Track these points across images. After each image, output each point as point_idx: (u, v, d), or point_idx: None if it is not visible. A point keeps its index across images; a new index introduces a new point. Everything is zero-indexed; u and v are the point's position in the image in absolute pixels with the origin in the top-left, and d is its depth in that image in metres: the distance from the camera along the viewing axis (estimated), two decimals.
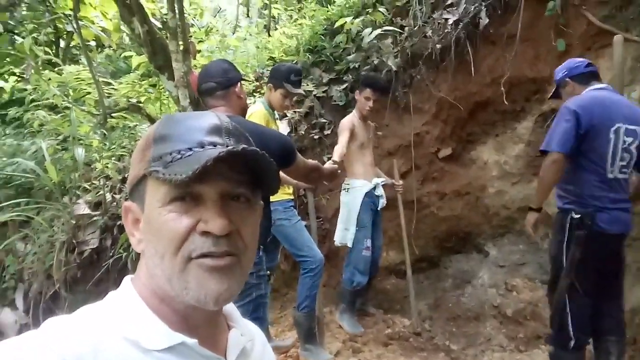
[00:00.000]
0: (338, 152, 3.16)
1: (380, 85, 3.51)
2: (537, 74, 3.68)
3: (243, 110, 2.21)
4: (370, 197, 3.42)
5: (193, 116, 0.70)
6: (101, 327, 0.61)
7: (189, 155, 0.63)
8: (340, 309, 3.50)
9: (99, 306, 0.66)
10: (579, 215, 2.41)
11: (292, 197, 3.05)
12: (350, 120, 3.44)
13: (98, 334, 0.60)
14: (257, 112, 2.77)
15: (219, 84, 2.07)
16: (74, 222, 3.85)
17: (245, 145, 0.64)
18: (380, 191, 3.49)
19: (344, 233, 3.42)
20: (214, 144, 0.65)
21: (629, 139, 2.44)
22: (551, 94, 2.86)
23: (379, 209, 3.51)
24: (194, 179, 0.59)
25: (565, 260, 2.47)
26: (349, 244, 3.39)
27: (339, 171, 2.60)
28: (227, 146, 0.65)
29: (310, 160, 2.22)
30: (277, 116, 3.03)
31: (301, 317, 2.94)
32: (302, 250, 2.91)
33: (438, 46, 3.84)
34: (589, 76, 2.58)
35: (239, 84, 2.13)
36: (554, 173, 2.42)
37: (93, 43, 5.89)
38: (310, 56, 4.34)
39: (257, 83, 4.43)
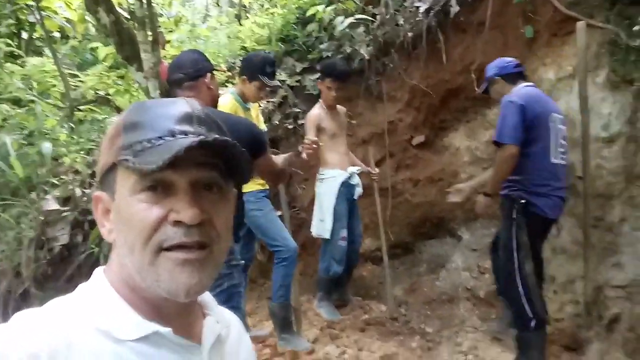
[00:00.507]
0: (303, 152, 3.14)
1: (338, 72, 3.39)
2: None
3: (214, 102, 2.18)
4: (345, 186, 3.42)
5: (164, 103, 0.69)
6: (72, 319, 0.60)
7: (160, 144, 0.62)
8: (317, 297, 3.52)
9: (70, 298, 0.65)
10: (524, 201, 2.59)
11: (264, 187, 3.04)
12: (315, 113, 3.41)
13: (70, 327, 0.59)
14: (227, 104, 2.73)
15: (187, 75, 2.05)
16: (43, 218, 3.75)
17: (217, 135, 0.64)
18: (356, 180, 3.49)
19: (320, 224, 3.42)
20: (186, 133, 0.64)
21: (562, 127, 2.72)
22: (482, 89, 3.07)
23: (355, 198, 3.51)
24: (165, 168, 0.58)
25: (515, 244, 2.62)
26: (326, 236, 3.38)
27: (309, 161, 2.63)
28: (199, 135, 0.64)
29: (279, 160, 2.20)
30: (249, 106, 2.99)
31: (276, 307, 2.95)
32: (275, 240, 2.90)
33: (410, 34, 3.86)
34: (517, 75, 2.83)
35: (208, 74, 2.10)
36: (511, 165, 2.60)
37: (57, 34, 5.70)
38: (282, 45, 4.31)
39: (229, 73, 4.38)
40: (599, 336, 2.85)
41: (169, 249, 0.62)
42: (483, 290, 3.59)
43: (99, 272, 0.69)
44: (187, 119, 0.66)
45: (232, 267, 1.94)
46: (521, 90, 2.74)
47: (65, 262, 3.76)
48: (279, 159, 2.38)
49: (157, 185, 0.62)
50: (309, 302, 3.62)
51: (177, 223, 0.62)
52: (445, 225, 4.22)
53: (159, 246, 0.62)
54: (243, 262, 2.10)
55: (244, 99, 2.88)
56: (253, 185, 2.92)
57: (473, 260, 3.95)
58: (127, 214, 0.63)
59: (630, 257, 3.07)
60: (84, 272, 3.64)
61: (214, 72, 2.21)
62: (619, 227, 3.15)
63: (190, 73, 2.06)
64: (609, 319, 2.84)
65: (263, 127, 3.21)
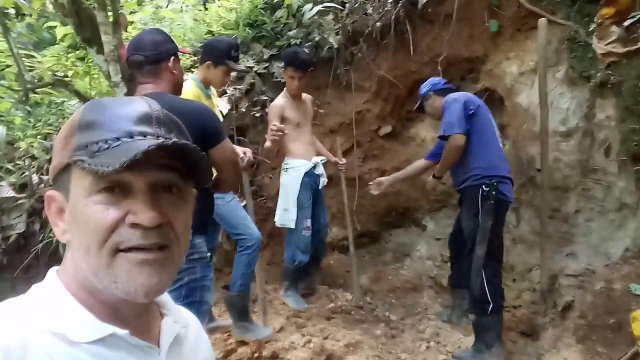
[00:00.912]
0: (268, 140, 3.13)
1: (300, 62, 3.32)
2: (471, 54, 3.82)
3: (177, 87, 2.05)
4: (310, 176, 3.41)
5: (121, 102, 0.67)
6: (26, 321, 0.59)
7: (117, 146, 0.61)
8: (284, 286, 3.53)
9: (23, 299, 0.63)
10: (488, 188, 2.79)
11: None
12: (278, 104, 3.37)
13: (24, 327, 0.58)
14: (188, 91, 2.63)
15: (147, 58, 1.91)
16: None
17: (175, 139, 0.63)
18: (320, 170, 3.48)
19: (284, 214, 3.40)
20: (144, 134, 0.63)
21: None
22: (416, 107, 3.44)
23: (320, 187, 3.52)
24: (121, 171, 0.56)
25: (480, 231, 2.77)
26: (290, 225, 3.37)
27: (253, 166, 2.66)
28: (158, 136, 0.63)
29: (235, 151, 2.04)
30: (211, 92, 2.93)
31: (235, 297, 2.89)
32: (238, 228, 2.87)
33: (378, 24, 3.87)
34: (447, 90, 3.21)
35: (172, 58, 1.96)
36: (459, 151, 2.90)
37: (12, 11, 5.40)
38: (250, 31, 4.23)
39: (195, 58, 4.27)
40: (553, 323, 2.98)
41: (126, 250, 0.61)
42: (446, 278, 3.69)
43: (52, 273, 0.67)
44: (146, 119, 0.64)
45: (194, 261, 1.89)
46: (455, 93, 3.10)
47: (22, 251, 3.63)
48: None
49: (114, 186, 0.61)
50: (275, 291, 3.62)
51: (134, 225, 0.61)
52: (410, 215, 4.29)
53: (116, 248, 0.61)
54: (208, 254, 2.04)
55: (205, 85, 2.81)
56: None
57: (437, 249, 4.05)
58: (83, 215, 0.61)
59: (583, 247, 3.22)
60: (42, 262, 3.52)
61: (178, 55, 2.06)
62: (574, 218, 3.29)
63: (151, 56, 1.91)
64: (563, 306, 2.97)
65: (218, 113, 3.12)
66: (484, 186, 2.81)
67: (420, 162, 3.47)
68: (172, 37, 2.09)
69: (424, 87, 3.30)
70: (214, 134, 1.82)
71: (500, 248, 2.91)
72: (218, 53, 2.73)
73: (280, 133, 2.96)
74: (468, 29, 3.76)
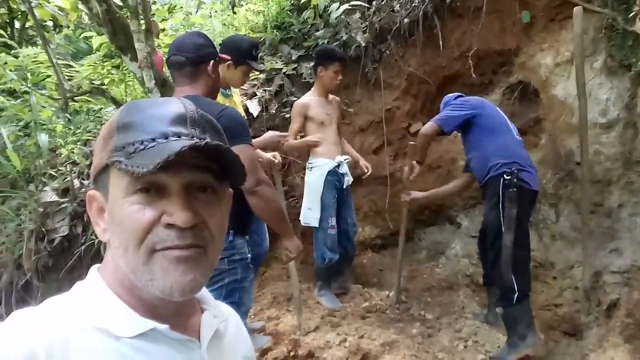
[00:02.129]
0: (289, 142, 3.17)
1: (342, 55, 3.43)
2: (503, 47, 3.73)
3: (213, 91, 2.04)
4: (333, 175, 3.38)
5: (157, 104, 0.68)
6: (69, 318, 0.60)
7: (152, 147, 0.62)
8: (317, 286, 3.54)
9: (66, 297, 0.65)
10: (509, 177, 2.76)
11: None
12: (302, 102, 3.38)
13: (66, 325, 0.59)
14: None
15: (188, 60, 1.90)
16: (42, 209, 3.74)
17: (208, 140, 0.63)
18: (344, 169, 3.43)
19: (308, 213, 3.40)
20: (179, 135, 0.64)
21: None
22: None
23: (345, 187, 3.47)
24: (157, 171, 0.58)
25: (503, 220, 2.73)
26: (314, 224, 3.37)
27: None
28: (192, 137, 0.64)
29: (253, 159, 1.92)
30: (230, 92, 2.94)
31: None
32: None
33: (406, 20, 3.83)
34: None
35: (211, 62, 1.95)
36: (426, 139, 3.16)
37: (50, 23, 5.64)
38: (277, 33, 4.27)
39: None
40: (597, 322, 2.87)
41: (162, 249, 0.62)
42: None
43: (94, 270, 0.69)
44: (181, 120, 0.65)
45: (236, 262, 1.87)
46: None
47: (65, 253, 3.76)
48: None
49: (150, 187, 0.62)
50: (309, 290, 3.63)
51: (169, 226, 0.62)
52: (444, 213, 4.22)
53: (152, 248, 0.62)
54: (249, 256, 2.01)
55: (223, 86, 2.80)
56: None
57: (472, 247, 3.96)
58: (120, 216, 0.63)
59: (628, 243, 3.09)
60: (85, 263, 3.65)
61: (218, 60, 2.03)
62: (618, 212, 3.16)
63: (192, 58, 1.90)
64: (608, 304, 2.86)
65: (241, 111, 3.11)
66: (505, 175, 2.78)
67: (460, 179, 3.43)
68: (213, 42, 2.07)
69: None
70: (234, 135, 1.72)
71: (527, 238, 2.86)
72: (240, 52, 2.68)
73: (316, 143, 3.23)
74: (499, 22, 3.67)
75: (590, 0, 3.16)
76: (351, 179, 3.50)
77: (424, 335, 3.11)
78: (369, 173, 3.57)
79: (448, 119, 3.03)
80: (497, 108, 3.16)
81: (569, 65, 3.31)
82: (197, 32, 2.23)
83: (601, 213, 3.21)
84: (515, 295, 2.67)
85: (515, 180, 2.74)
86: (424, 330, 3.18)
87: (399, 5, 3.92)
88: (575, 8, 2.87)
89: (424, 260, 4.15)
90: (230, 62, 2.69)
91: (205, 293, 0.77)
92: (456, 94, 3.31)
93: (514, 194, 2.73)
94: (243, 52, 2.68)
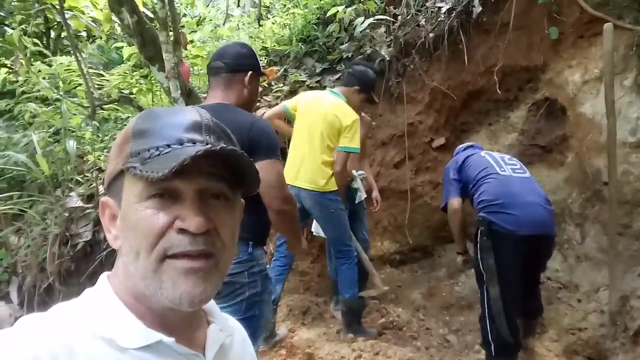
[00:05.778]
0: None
1: (375, 85, 3.26)
2: (530, 63, 3.67)
3: (249, 102, 1.98)
4: (345, 189, 3.30)
5: (173, 111, 0.69)
6: (75, 326, 0.60)
7: (167, 153, 0.62)
8: (333, 300, 3.49)
9: (74, 304, 0.65)
10: (480, 225, 2.59)
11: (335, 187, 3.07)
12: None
13: (72, 333, 0.59)
14: (349, 112, 2.90)
15: (226, 66, 1.90)
16: (67, 214, 3.83)
17: (224, 145, 0.63)
18: (357, 184, 3.38)
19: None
20: (193, 141, 0.64)
21: (502, 155, 2.98)
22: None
23: (357, 202, 3.39)
24: (172, 176, 0.58)
25: (481, 268, 2.59)
26: (323, 235, 3.32)
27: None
28: (207, 144, 0.64)
29: (282, 178, 1.88)
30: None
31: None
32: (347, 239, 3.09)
33: (431, 35, 3.81)
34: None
35: (250, 73, 1.92)
36: (457, 214, 2.89)
37: (84, 34, 5.82)
38: (303, 46, 4.31)
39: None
40: (623, 348, 2.76)
41: (174, 256, 0.62)
42: None
43: (103, 278, 0.70)
44: (196, 127, 0.66)
45: (255, 275, 1.80)
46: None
47: (87, 258, 3.83)
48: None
49: (164, 192, 0.62)
50: (325, 304, 3.60)
51: (182, 231, 0.62)
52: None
53: (164, 253, 0.62)
54: (268, 267, 1.97)
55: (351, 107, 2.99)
56: (333, 185, 3.00)
57: None
58: (134, 220, 0.63)
59: None
60: (106, 269, 3.67)
61: (259, 74, 1.99)
62: None
63: (231, 65, 1.89)
64: (635, 330, 2.75)
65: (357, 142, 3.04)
66: (479, 224, 2.61)
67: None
68: (257, 55, 2.05)
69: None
70: (262, 149, 1.73)
71: (515, 286, 2.59)
72: (368, 82, 2.95)
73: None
74: (526, 38, 3.62)
75: (621, 17, 3.10)
76: (364, 195, 3.43)
77: (441, 354, 3.04)
78: (377, 208, 3.57)
79: (450, 186, 2.94)
80: (482, 151, 3.06)
81: (597, 83, 3.23)
82: (242, 43, 2.22)
83: (629, 235, 3.10)
84: (492, 347, 2.56)
85: (483, 228, 2.54)
86: (441, 349, 3.10)
87: (424, 20, 3.91)
88: (605, 25, 2.81)
89: (443, 278, 4.07)
90: (357, 87, 2.99)
91: (212, 305, 0.77)
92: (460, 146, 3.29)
93: (485, 243, 2.54)
94: (369, 83, 2.98)
